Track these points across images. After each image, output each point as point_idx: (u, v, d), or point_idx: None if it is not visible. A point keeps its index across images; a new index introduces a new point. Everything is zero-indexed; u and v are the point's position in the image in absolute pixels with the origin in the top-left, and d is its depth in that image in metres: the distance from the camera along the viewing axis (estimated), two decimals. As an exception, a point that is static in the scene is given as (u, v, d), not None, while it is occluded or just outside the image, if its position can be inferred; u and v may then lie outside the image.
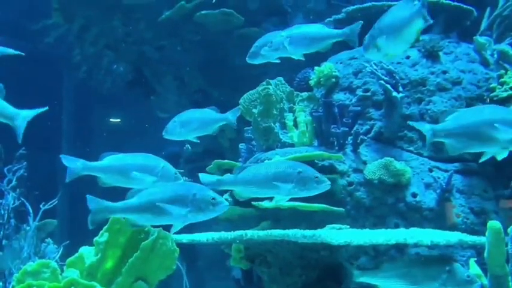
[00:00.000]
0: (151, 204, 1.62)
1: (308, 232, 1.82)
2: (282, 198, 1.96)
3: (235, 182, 1.84)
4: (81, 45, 4.51)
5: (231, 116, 2.52)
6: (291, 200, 2.44)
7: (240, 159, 3.09)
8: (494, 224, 1.55)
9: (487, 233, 1.58)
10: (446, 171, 2.58)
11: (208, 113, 2.51)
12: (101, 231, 1.81)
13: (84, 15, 4.28)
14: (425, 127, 1.95)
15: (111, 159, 1.82)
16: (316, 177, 1.85)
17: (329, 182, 1.86)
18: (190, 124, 2.46)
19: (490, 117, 1.74)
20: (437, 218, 2.46)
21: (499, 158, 1.84)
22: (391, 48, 1.95)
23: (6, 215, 2.25)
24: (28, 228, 2.48)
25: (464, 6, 2.85)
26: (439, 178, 2.53)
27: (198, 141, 2.60)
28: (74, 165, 1.75)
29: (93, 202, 1.68)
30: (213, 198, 1.63)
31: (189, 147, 4.94)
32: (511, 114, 1.74)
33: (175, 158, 4.53)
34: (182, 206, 1.60)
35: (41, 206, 2.50)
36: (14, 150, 2.55)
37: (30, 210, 2.44)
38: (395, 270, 1.86)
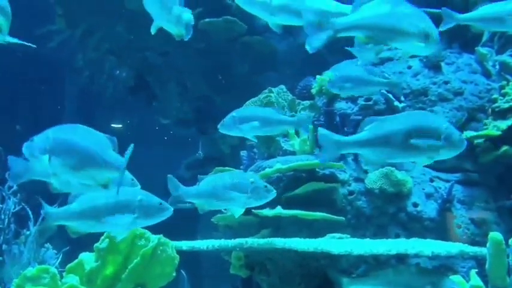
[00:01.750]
0: (95, 210, 1.54)
1: (309, 241, 1.82)
2: (238, 210, 1.95)
3: (197, 194, 1.85)
4: (84, 50, 4.53)
5: (302, 121, 2.31)
6: (292, 208, 2.44)
7: (241, 167, 3.09)
8: (495, 235, 1.54)
9: (488, 244, 1.58)
10: (447, 181, 2.58)
11: (272, 113, 2.25)
12: (102, 238, 1.81)
13: (87, 21, 4.31)
14: (330, 138, 1.69)
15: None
16: (266, 186, 1.86)
17: (274, 191, 1.84)
18: (251, 121, 2.20)
19: (408, 128, 1.65)
20: (438, 229, 2.45)
21: (420, 166, 1.78)
22: None
23: (7, 220, 2.26)
24: (28, 233, 2.48)
25: (466, 17, 2.86)
26: (440, 188, 2.53)
27: (255, 141, 2.38)
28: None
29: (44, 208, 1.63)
30: (160, 204, 1.59)
31: (201, 154, 4.93)
32: (430, 123, 1.65)
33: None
34: (128, 212, 1.54)
35: (41, 211, 2.50)
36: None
37: (31, 216, 2.44)
38: (384, 279, 1.86)
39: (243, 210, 1.95)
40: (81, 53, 4.68)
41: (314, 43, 1.55)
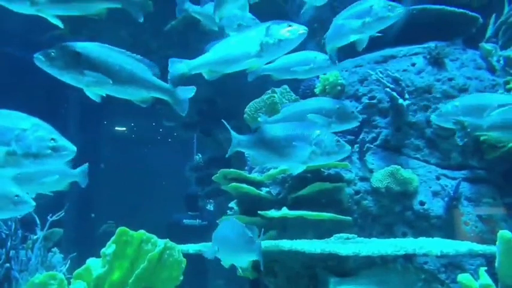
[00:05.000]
0: None
1: (316, 242, 1.81)
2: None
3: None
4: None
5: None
6: (298, 208, 2.43)
7: (246, 168, 3.08)
8: (505, 233, 1.53)
9: (497, 242, 1.56)
10: (453, 178, 2.56)
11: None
12: (108, 243, 1.81)
13: (90, 26, 4.32)
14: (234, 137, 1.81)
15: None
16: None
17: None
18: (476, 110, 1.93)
19: (289, 134, 1.68)
20: (446, 226, 2.44)
21: (295, 172, 1.81)
22: None
23: (14, 226, 2.26)
24: (35, 237, 2.49)
25: (470, 13, 2.84)
26: (446, 186, 2.51)
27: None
28: None
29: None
30: (17, 196, 1.45)
31: (200, 156, 4.93)
32: (310, 130, 1.68)
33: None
34: None
35: (48, 217, 2.51)
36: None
37: (38, 221, 2.45)
38: (373, 278, 1.85)
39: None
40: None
41: None
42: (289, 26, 1.60)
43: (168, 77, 1.64)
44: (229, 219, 1.64)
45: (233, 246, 1.60)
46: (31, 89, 5.01)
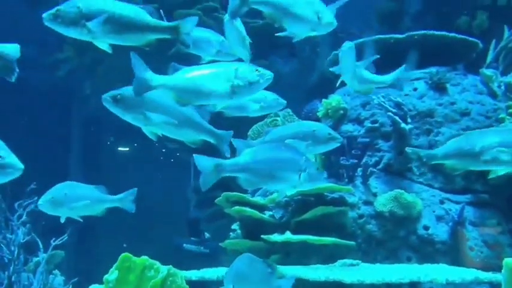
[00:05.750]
0: None
1: (320, 269, 1.80)
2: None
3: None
4: (92, 78, 4.58)
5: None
6: (302, 233, 2.42)
7: (248, 191, 3.08)
8: (510, 261, 1.51)
9: (503, 271, 1.55)
10: (457, 202, 2.55)
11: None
12: (111, 269, 1.80)
13: (95, 49, 4.38)
14: (209, 162, 1.67)
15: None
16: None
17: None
18: None
19: (281, 157, 1.69)
20: (451, 251, 2.42)
21: (281, 197, 1.80)
22: None
23: (16, 251, 2.26)
24: (37, 260, 2.47)
25: (470, 38, 2.88)
26: (450, 210, 2.51)
27: None
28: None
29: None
30: (0, 157, 1.33)
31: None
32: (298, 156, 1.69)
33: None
34: None
35: (51, 241, 2.50)
36: (25, 185, 2.58)
37: (41, 245, 2.44)
38: None
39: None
40: (89, 81, 4.73)
41: None
42: (257, 70, 1.64)
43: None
44: (245, 256, 1.54)
45: (252, 285, 1.48)
46: (35, 112, 5.05)
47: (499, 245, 2.41)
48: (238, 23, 1.76)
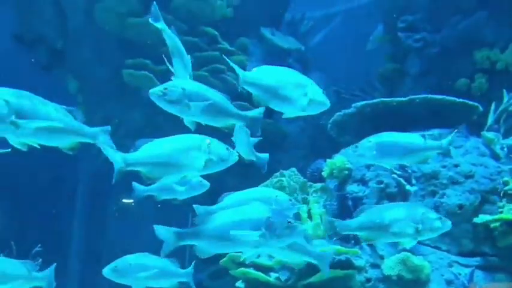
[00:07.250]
0: None
1: None
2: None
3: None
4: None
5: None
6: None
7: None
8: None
9: None
10: (466, 266, 2.51)
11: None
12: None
13: (105, 107, 4.52)
14: (168, 231, 1.73)
15: None
16: None
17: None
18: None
19: (238, 219, 1.71)
20: (462, 318, 2.35)
21: (247, 256, 1.82)
22: None
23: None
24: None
25: (469, 102, 2.96)
26: (459, 274, 2.46)
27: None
28: None
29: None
30: None
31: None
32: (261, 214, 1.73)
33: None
34: None
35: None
36: (30, 248, 2.58)
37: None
38: None
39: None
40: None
41: None
42: (227, 149, 1.71)
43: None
44: None
45: None
46: (40, 167, 5.09)
47: (512, 311, 2.34)
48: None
